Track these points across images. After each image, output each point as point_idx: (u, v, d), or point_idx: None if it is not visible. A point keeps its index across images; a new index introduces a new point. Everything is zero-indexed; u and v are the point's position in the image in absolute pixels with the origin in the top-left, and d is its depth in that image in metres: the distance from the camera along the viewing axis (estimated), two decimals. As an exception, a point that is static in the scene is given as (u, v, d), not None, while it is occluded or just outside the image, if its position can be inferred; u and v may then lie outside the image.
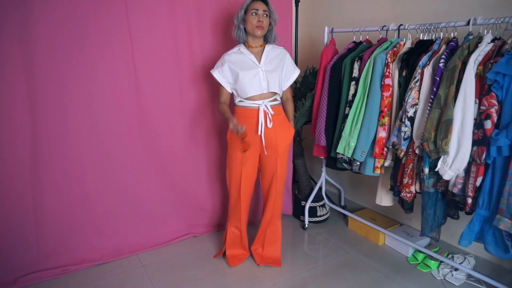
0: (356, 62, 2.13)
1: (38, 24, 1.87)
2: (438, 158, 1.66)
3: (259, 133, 1.97)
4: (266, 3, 1.94)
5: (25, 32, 1.85)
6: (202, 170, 2.55)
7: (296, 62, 2.96)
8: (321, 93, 2.35)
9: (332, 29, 2.49)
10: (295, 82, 2.63)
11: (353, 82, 2.14)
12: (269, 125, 1.98)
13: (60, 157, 2.07)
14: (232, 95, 2.06)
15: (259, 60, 1.99)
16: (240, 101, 2.00)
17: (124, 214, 2.34)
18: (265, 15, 1.92)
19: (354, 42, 2.35)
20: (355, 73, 2.13)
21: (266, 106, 1.96)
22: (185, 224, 2.57)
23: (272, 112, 1.97)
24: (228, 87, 2.02)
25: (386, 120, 1.97)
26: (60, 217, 2.14)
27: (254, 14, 1.90)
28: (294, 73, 2.10)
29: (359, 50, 2.20)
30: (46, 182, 2.06)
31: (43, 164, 2.04)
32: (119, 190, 2.29)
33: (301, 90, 2.64)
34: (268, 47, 2.02)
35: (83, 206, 2.19)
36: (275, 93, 2.00)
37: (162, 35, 2.21)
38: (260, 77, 1.95)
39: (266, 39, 2.03)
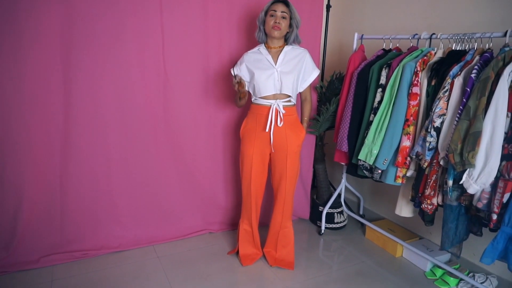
0: (384, 69, 2.10)
1: (79, 18, 1.96)
2: (463, 171, 1.61)
3: (267, 130, 1.99)
4: (287, 5, 1.96)
5: (67, 26, 1.94)
6: (220, 168, 2.58)
7: (323, 67, 2.95)
8: (346, 98, 2.34)
9: (362, 35, 2.47)
10: (320, 86, 2.63)
11: (379, 89, 2.11)
12: (280, 124, 1.99)
13: (88, 149, 2.15)
14: (249, 93, 2.11)
15: (276, 60, 2.00)
16: (255, 99, 2.05)
17: (145, 207, 2.40)
18: (283, 17, 1.94)
19: (383, 49, 2.32)
20: (382, 80, 2.10)
21: (278, 105, 1.97)
22: (202, 220, 2.60)
23: (284, 112, 1.98)
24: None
25: (411, 129, 1.94)
26: (84, 205, 2.22)
27: (271, 15, 1.94)
28: (312, 74, 2.09)
29: (388, 58, 2.17)
30: (74, 171, 2.15)
31: (72, 154, 2.12)
32: (141, 184, 2.35)
33: (326, 95, 2.63)
34: (287, 48, 2.03)
35: (106, 196, 2.27)
36: (289, 95, 2.01)
37: (193, 35, 2.26)
38: (275, 77, 1.97)
39: (286, 41, 2.05)
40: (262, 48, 2.06)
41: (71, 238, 2.22)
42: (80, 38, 1.99)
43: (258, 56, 2.05)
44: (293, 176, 2.10)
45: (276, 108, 1.98)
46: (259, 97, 2.02)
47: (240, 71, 2.07)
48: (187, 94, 2.34)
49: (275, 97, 2.00)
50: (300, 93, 2.14)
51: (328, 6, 2.87)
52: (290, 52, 2.04)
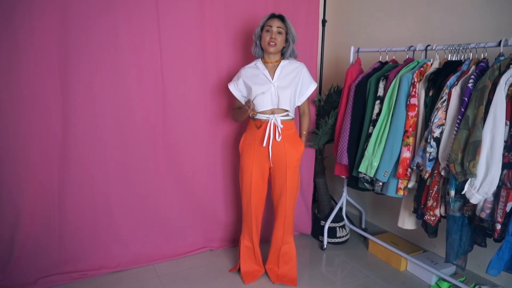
0: (381, 81, 2.11)
1: (75, 26, 1.96)
2: (465, 181, 1.60)
3: (264, 145, 1.98)
4: (283, 20, 1.99)
5: (63, 34, 1.94)
6: (220, 184, 2.56)
7: (320, 81, 2.97)
8: (345, 111, 2.34)
9: (358, 48, 2.50)
10: (318, 100, 2.64)
11: (377, 101, 2.12)
12: (278, 138, 1.98)
13: (86, 166, 2.14)
14: None
15: (273, 75, 2.01)
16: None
17: (144, 224, 2.36)
18: (279, 32, 1.96)
19: (380, 62, 2.34)
20: (380, 92, 2.11)
21: (276, 119, 1.97)
22: (202, 237, 2.56)
23: (282, 126, 1.98)
24: (242, 100, 2.10)
25: (410, 140, 1.93)
26: (82, 224, 2.19)
27: (267, 31, 1.97)
28: (310, 87, 2.09)
29: (385, 70, 2.19)
30: (71, 189, 2.13)
31: (70, 171, 2.11)
32: (140, 201, 2.33)
33: (324, 108, 2.64)
34: (283, 62, 2.05)
35: (105, 214, 2.24)
36: (287, 109, 2.01)
37: (190, 50, 2.28)
38: (272, 92, 1.98)
39: (283, 55, 2.07)
40: (259, 63, 2.08)
41: (69, 258, 2.18)
42: (76, 51, 1.98)
43: (255, 71, 2.06)
44: (293, 190, 2.08)
45: (274, 123, 1.98)
46: (257, 112, 2.02)
47: (238, 86, 2.08)
48: (185, 109, 2.35)
49: (272, 111, 2.00)
50: (298, 107, 2.15)
51: (324, 21, 2.92)
52: (287, 67, 2.05)
